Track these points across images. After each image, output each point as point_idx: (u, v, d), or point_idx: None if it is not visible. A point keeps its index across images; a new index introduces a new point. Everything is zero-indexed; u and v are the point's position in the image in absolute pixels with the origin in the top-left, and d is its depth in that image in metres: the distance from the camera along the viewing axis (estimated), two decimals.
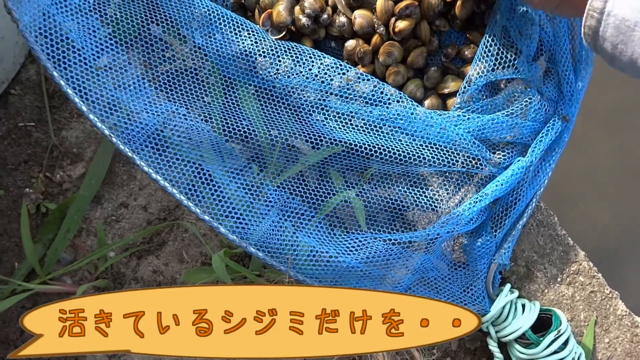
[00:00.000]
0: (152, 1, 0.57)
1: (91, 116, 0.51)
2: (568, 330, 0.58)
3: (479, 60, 0.55)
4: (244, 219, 0.53)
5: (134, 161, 0.52)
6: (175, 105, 0.55)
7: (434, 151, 0.56)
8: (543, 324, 0.59)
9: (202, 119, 0.56)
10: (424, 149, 0.56)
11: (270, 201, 0.55)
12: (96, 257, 0.65)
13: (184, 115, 0.55)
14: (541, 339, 0.57)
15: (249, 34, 0.57)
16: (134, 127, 0.52)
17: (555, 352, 0.57)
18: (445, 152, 0.56)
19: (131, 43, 0.56)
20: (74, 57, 0.52)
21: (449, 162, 0.56)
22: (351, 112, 0.56)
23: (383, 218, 0.60)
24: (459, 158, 0.56)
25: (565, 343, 0.58)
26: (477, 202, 0.55)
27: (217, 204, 0.53)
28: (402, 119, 0.56)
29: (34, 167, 0.67)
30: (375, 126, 0.56)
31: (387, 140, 0.56)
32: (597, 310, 0.65)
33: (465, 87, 0.56)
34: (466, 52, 0.60)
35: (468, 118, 0.56)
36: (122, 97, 0.53)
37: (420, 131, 0.56)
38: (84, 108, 0.51)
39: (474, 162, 0.56)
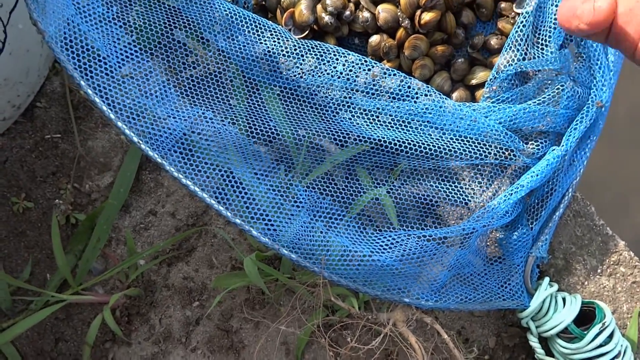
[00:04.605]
0: (173, 7, 0.57)
1: (119, 124, 0.51)
2: (613, 323, 0.56)
3: (509, 49, 0.54)
4: (274, 221, 0.53)
5: (163, 167, 0.51)
6: (201, 109, 0.55)
7: (465, 144, 0.55)
8: (585, 317, 0.58)
9: (228, 122, 0.55)
10: (454, 142, 0.55)
11: (300, 202, 0.55)
12: (127, 266, 0.65)
13: (210, 119, 0.55)
14: (585, 332, 0.55)
15: (271, 34, 0.57)
16: (162, 133, 0.52)
17: (600, 346, 0.55)
18: (476, 144, 0.55)
19: (155, 49, 0.56)
20: (99, 65, 0.52)
21: (480, 155, 0.55)
22: (378, 108, 0.55)
23: (414, 215, 0.59)
24: (491, 150, 0.55)
25: (611, 336, 0.56)
26: (512, 194, 0.54)
27: (247, 207, 0.52)
28: (430, 113, 0.55)
29: (62, 178, 0.68)
30: (403, 121, 0.55)
31: (416, 136, 0.55)
32: None
33: (494, 76, 0.55)
34: (492, 42, 0.59)
35: (499, 108, 0.54)
36: (148, 104, 0.53)
37: (450, 124, 0.55)
38: (112, 116, 0.51)
39: (506, 153, 0.55)
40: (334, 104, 0.57)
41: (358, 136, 0.55)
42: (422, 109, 0.55)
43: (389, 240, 0.54)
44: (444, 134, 0.55)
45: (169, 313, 0.65)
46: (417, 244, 0.54)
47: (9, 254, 0.66)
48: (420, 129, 0.55)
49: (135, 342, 0.65)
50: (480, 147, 0.55)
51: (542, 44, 0.55)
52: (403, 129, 0.56)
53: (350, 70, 0.55)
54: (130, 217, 0.67)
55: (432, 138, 0.55)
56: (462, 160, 0.55)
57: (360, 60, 0.55)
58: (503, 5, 0.58)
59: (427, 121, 0.55)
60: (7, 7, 0.57)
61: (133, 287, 0.65)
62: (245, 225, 0.52)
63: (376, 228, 0.57)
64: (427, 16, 0.54)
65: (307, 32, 0.57)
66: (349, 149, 0.56)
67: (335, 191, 0.56)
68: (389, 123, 0.56)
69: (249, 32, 0.57)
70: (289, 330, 0.63)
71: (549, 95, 0.55)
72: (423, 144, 0.55)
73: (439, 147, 0.55)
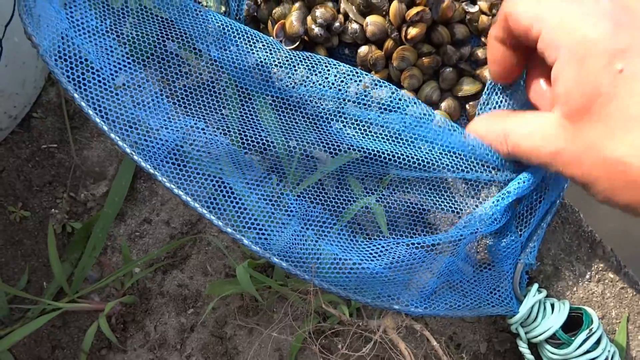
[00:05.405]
0: (166, 19, 0.58)
1: (112, 135, 0.52)
2: (600, 329, 0.57)
3: None
4: (266, 230, 0.54)
5: (155, 178, 0.52)
6: (193, 119, 0.56)
7: (455, 159, 0.56)
8: (574, 323, 0.58)
9: (220, 132, 0.56)
10: (444, 156, 0.56)
11: (291, 211, 0.56)
12: (122, 274, 0.65)
13: (203, 129, 0.55)
14: (573, 338, 0.56)
15: (263, 45, 0.57)
16: (155, 144, 0.53)
17: (587, 352, 0.56)
18: (465, 159, 0.56)
19: (148, 60, 0.57)
20: (92, 77, 0.53)
21: (470, 170, 0.56)
22: (369, 119, 0.56)
23: (404, 223, 0.59)
24: (479, 168, 0.56)
25: (598, 342, 0.56)
26: (499, 200, 0.55)
27: (239, 216, 0.53)
28: (421, 126, 0.56)
29: (58, 187, 0.68)
30: (393, 133, 0.56)
31: (406, 148, 0.56)
32: (629, 307, 0.64)
33: (487, 91, 0.55)
34: (479, 54, 0.59)
35: None
36: (142, 115, 0.54)
37: (441, 139, 0.55)
38: (105, 127, 0.52)
39: (494, 171, 0.56)
40: (326, 114, 0.57)
41: (349, 146, 0.56)
42: (413, 122, 0.56)
43: (378, 248, 0.55)
44: (433, 148, 0.56)
45: (164, 320, 0.66)
46: (406, 251, 0.55)
47: (6, 262, 0.67)
48: (410, 141, 0.56)
49: (131, 349, 0.66)
50: (470, 163, 0.56)
51: None
52: (393, 141, 0.56)
53: (342, 81, 0.56)
54: (125, 226, 0.68)
55: (422, 151, 0.56)
56: (452, 173, 0.56)
57: (351, 71, 0.56)
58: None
59: (417, 134, 0.56)
60: (2, 21, 0.58)
61: (128, 295, 0.66)
62: (236, 234, 0.53)
63: (366, 236, 0.58)
64: (413, 31, 0.55)
65: (297, 43, 0.58)
66: (339, 157, 0.57)
67: (326, 200, 0.57)
68: (380, 134, 0.56)
69: (241, 43, 0.58)
70: (281, 337, 0.63)
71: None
72: (413, 157, 0.55)
73: (429, 161, 0.55)
